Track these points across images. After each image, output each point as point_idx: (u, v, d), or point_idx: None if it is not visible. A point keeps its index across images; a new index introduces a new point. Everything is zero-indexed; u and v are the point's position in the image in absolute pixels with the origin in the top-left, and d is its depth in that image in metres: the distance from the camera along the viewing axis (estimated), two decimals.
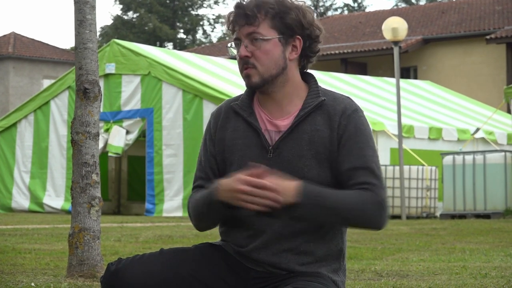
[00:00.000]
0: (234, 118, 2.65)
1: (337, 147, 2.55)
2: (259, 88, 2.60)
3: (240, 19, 2.57)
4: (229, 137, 2.64)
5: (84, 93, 4.92)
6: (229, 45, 2.64)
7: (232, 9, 2.61)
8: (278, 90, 2.61)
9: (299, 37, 2.59)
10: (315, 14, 2.64)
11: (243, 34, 2.58)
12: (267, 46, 2.56)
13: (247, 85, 2.61)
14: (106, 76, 15.71)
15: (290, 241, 2.56)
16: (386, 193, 2.54)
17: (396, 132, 14.83)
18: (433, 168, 15.06)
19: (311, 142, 2.55)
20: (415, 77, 29.84)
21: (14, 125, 16.97)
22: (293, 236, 2.56)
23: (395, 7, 46.34)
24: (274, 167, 2.55)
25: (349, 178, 2.53)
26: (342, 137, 2.55)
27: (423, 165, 15.14)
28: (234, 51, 2.63)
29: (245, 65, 2.58)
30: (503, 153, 14.04)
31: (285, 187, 2.42)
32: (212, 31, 58.14)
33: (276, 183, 2.42)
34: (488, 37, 28.19)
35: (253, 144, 2.60)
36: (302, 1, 2.62)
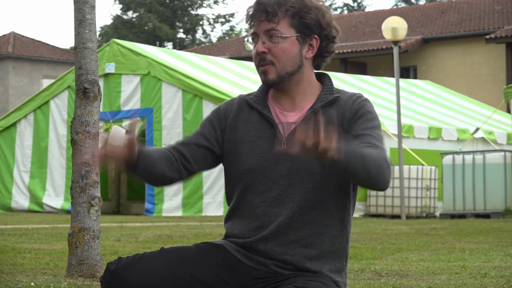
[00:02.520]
0: (248, 110, 2.68)
1: (347, 128, 2.58)
2: (276, 85, 2.62)
3: (260, 15, 2.59)
4: (241, 128, 2.66)
5: (83, 92, 4.92)
6: (246, 39, 2.67)
7: (253, 4, 2.63)
8: (293, 88, 2.64)
9: (316, 36, 2.62)
10: (329, 11, 2.66)
11: (261, 30, 2.60)
12: (284, 44, 2.59)
13: (263, 81, 2.63)
14: (106, 75, 15.72)
15: (297, 231, 2.58)
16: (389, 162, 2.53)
17: (395, 132, 14.83)
18: (433, 168, 15.07)
19: None
20: (415, 77, 29.84)
21: (13, 124, 16.96)
22: (301, 226, 2.58)
23: (394, 7, 46.35)
24: (286, 157, 2.59)
25: (358, 139, 2.53)
26: (353, 118, 2.59)
27: (422, 165, 15.15)
28: (250, 46, 2.65)
29: (262, 62, 2.60)
30: (502, 153, 14.05)
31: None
32: (212, 30, 58.22)
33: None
34: (487, 36, 28.19)
35: (266, 136, 2.62)
36: (321, 1, 2.64)
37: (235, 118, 2.68)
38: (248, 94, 2.72)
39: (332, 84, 2.67)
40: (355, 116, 2.59)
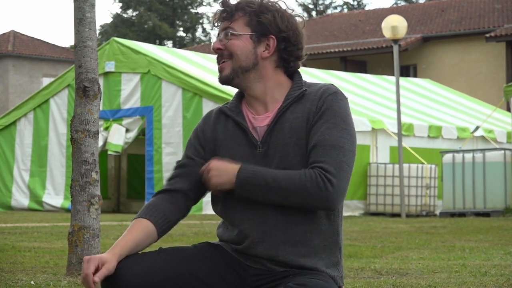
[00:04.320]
0: (224, 119, 2.73)
1: (312, 125, 2.61)
2: (231, 81, 2.69)
3: (221, 15, 2.71)
4: (220, 137, 2.71)
5: (83, 91, 4.92)
6: (213, 40, 2.77)
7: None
8: (255, 87, 2.69)
9: (273, 37, 2.67)
10: (301, 21, 2.72)
11: (220, 29, 2.71)
12: (237, 41, 2.67)
13: (218, 79, 2.72)
14: (106, 74, 15.71)
15: (285, 231, 2.59)
16: (339, 172, 2.53)
17: (395, 131, 14.83)
18: (433, 166, 15.07)
19: (292, 130, 2.61)
20: (415, 76, 29.84)
21: (13, 123, 16.96)
22: (287, 226, 2.59)
23: (394, 5, 46.33)
24: (263, 160, 2.63)
25: (308, 157, 2.58)
26: (316, 115, 2.61)
27: (422, 163, 15.15)
28: None
29: (219, 58, 2.70)
30: (502, 151, 14.04)
31: (224, 170, 2.57)
32: (212, 29, 58.09)
33: (215, 167, 2.58)
34: (487, 35, 28.17)
35: (242, 142, 2.67)
36: (291, 9, 2.72)
37: (213, 131, 2.73)
38: (225, 103, 2.78)
39: (300, 79, 2.71)
40: (318, 114, 2.61)
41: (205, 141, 2.73)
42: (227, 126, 2.71)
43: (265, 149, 2.63)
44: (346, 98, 2.66)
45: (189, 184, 2.69)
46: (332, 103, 2.61)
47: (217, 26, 2.72)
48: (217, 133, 2.72)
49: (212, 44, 2.71)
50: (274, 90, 2.69)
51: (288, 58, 2.69)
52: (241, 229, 2.63)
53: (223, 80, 2.70)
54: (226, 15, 2.69)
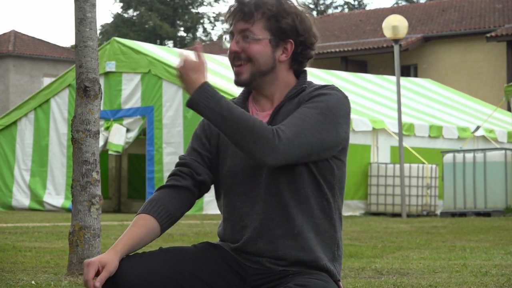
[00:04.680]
0: None
1: None
2: (248, 85, 2.66)
3: (238, 14, 2.64)
4: None
5: (84, 91, 4.92)
6: (224, 37, 2.71)
7: (233, 3, 2.67)
8: (268, 87, 2.68)
9: (292, 41, 2.65)
10: (313, 21, 2.69)
11: (237, 30, 2.64)
12: (257, 45, 2.62)
13: (235, 82, 2.66)
14: (107, 74, 15.71)
15: (282, 225, 2.60)
16: (293, 137, 2.48)
17: (396, 130, 14.83)
18: (434, 166, 15.07)
19: None
20: (416, 75, 29.84)
21: (14, 123, 16.96)
22: (284, 220, 2.59)
23: (395, 5, 46.32)
24: None
25: None
26: (303, 101, 2.61)
27: (423, 163, 15.15)
28: (228, 45, 2.69)
29: (237, 60, 2.64)
30: (503, 151, 14.04)
31: (195, 77, 2.47)
32: (213, 29, 58.20)
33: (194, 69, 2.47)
34: (488, 35, 28.17)
35: None
36: (303, 6, 2.68)
37: None
38: (232, 99, 2.76)
39: (304, 79, 2.69)
40: (306, 99, 2.60)
41: (211, 134, 2.72)
42: None
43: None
44: (346, 97, 2.63)
45: (192, 179, 2.68)
46: (322, 91, 2.61)
47: (232, 23, 2.65)
48: None
49: (229, 45, 2.64)
50: (283, 91, 2.68)
51: (303, 60, 2.69)
52: (240, 225, 2.64)
53: (241, 84, 2.66)
54: (244, 16, 2.63)
